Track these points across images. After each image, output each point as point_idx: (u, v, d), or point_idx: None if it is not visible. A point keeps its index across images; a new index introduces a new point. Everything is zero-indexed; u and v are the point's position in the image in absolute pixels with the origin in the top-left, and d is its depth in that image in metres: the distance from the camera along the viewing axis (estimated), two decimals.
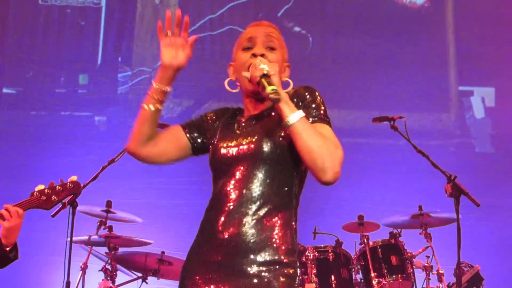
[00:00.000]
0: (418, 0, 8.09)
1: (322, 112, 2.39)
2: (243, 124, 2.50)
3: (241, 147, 2.39)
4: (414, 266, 5.49)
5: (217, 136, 2.52)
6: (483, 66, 7.80)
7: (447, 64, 7.89)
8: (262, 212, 2.32)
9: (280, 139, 2.37)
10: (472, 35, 7.93)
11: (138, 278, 5.60)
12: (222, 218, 2.33)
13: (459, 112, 7.79)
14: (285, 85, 2.44)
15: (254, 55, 2.44)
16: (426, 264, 5.49)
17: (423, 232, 5.64)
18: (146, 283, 5.60)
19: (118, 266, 5.51)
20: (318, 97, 2.42)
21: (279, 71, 2.38)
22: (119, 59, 7.86)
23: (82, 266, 5.35)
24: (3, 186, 6.79)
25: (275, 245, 2.29)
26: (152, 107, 2.44)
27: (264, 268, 2.25)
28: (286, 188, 2.38)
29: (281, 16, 7.88)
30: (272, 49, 2.49)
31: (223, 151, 2.42)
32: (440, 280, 5.42)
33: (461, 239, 4.71)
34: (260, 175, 2.35)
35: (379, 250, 5.53)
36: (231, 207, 2.33)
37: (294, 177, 2.41)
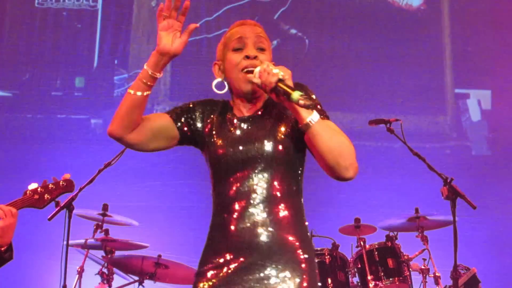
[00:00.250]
0: (415, 3, 8.10)
1: (320, 107, 2.40)
2: (241, 125, 2.48)
3: (249, 149, 2.39)
4: (410, 269, 5.48)
5: (214, 134, 2.48)
6: (479, 69, 7.81)
7: (443, 67, 7.90)
8: (277, 213, 2.34)
9: (285, 139, 2.40)
10: (468, 37, 7.94)
11: (135, 281, 5.59)
12: (238, 222, 2.33)
13: (456, 114, 7.80)
14: None
15: (248, 57, 2.44)
16: (422, 267, 5.49)
17: (420, 234, 5.64)
18: (143, 286, 5.59)
19: (115, 269, 5.50)
20: (313, 94, 2.43)
21: None
22: (115, 62, 7.85)
23: (79, 269, 5.34)
24: None
25: (295, 244, 2.32)
26: (143, 93, 2.38)
27: (285, 268, 2.28)
28: (294, 188, 2.42)
29: (278, 19, 7.88)
30: (262, 50, 2.49)
31: (229, 152, 2.40)
32: (436, 282, 5.41)
33: (457, 241, 4.71)
34: (271, 176, 2.37)
35: (376, 253, 5.52)
36: (246, 210, 2.34)
37: (299, 176, 2.45)
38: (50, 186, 3.56)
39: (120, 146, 2.76)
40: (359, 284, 5.56)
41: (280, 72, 2.29)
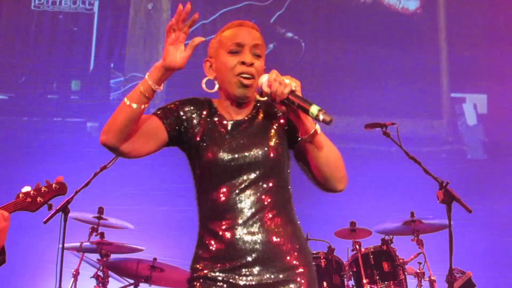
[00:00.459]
0: (411, 7, 8.12)
1: None
2: (232, 129, 2.45)
3: (242, 155, 2.36)
4: (406, 273, 5.48)
5: (205, 138, 2.43)
6: (475, 73, 7.82)
7: (439, 71, 7.91)
8: (275, 219, 2.34)
9: (276, 146, 2.39)
10: (464, 41, 7.96)
11: (130, 284, 5.58)
12: (232, 229, 2.31)
13: (451, 118, 7.81)
14: None
15: (244, 63, 2.42)
16: (418, 271, 5.49)
17: (415, 238, 5.64)
18: None
19: (110, 272, 5.49)
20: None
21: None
22: (112, 65, 7.84)
23: (74, 272, 5.34)
24: None
25: (291, 250, 2.32)
26: (141, 107, 2.29)
27: (286, 274, 2.28)
28: (286, 193, 2.42)
29: (274, 22, 7.89)
30: (258, 56, 2.47)
31: (221, 158, 2.35)
32: (432, 286, 5.42)
33: (453, 245, 4.72)
34: (267, 182, 2.36)
35: (371, 256, 5.52)
36: (244, 216, 2.32)
37: (289, 180, 2.45)
38: (43, 189, 3.52)
39: None
40: (355, 287, 5.57)
41: (293, 83, 2.27)
